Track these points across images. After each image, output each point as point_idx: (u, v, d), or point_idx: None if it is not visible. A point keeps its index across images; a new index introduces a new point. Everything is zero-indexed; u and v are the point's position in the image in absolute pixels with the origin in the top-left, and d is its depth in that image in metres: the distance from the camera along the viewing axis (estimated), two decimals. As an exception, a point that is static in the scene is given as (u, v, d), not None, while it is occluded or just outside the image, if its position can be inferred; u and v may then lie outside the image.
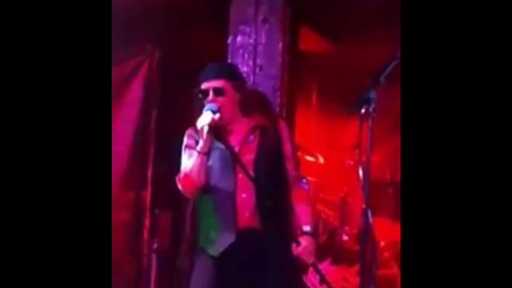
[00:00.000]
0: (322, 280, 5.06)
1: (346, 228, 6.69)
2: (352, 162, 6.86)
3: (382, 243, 6.55)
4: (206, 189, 4.03)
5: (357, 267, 5.98)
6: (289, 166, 4.14)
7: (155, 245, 6.27)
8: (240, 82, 4.17)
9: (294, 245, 4.00)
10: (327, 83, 8.55)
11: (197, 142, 4.04)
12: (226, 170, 4.02)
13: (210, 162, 4.02)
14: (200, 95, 4.09)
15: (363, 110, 3.47)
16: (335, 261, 6.33)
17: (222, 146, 4.01)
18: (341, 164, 7.19)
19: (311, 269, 5.48)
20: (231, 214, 3.97)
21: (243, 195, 3.99)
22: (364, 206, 3.54)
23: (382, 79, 3.47)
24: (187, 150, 4.11)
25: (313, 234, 4.11)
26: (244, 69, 5.36)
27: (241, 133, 4.08)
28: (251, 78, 5.40)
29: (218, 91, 4.05)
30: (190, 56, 6.00)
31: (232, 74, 4.20)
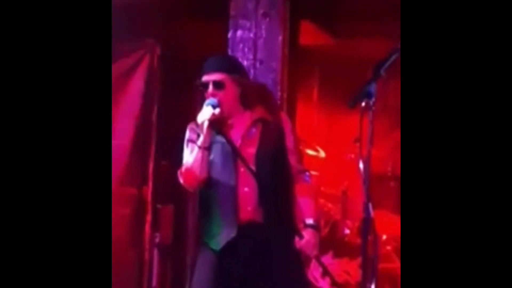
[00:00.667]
0: (325, 273, 5.07)
1: (348, 222, 6.69)
2: (353, 156, 6.85)
3: (384, 237, 6.55)
4: (208, 183, 4.03)
5: (359, 260, 5.99)
6: (292, 159, 4.14)
7: (157, 239, 6.28)
8: (241, 76, 4.15)
9: (297, 239, 3.99)
10: (327, 77, 8.55)
11: (199, 136, 4.04)
12: (228, 164, 4.02)
13: (212, 157, 4.01)
14: (201, 88, 4.09)
15: (363, 104, 3.47)
16: (336, 255, 6.34)
17: (223, 140, 4.00)
18: (342, 158, 7.18)
19: (313, 262, 5.50)
20: (233, 208, 3.97)
21: (245, 189, 3.99)
22: (365, 200, 3.55)
23: (382, 72, 3.47)
24: (189, 144, 4.11)
25: (316, 227, 4.11)
26: (244, 63, 5.35)
27: (242, 127, 4.07)
28: (252, 72, 5.41)
29: (217, 85, 4.04)
30: (190, 50, 6.01)
31: (232, 67, 4.19)
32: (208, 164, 4.00)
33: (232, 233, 3.96)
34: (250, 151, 4.01)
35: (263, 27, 5.63)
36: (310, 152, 7.27)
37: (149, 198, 6.23)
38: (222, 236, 3.98)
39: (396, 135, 5.61)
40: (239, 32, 5.64)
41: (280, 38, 5.61)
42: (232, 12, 5.69)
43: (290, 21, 5.72)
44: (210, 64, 4.16)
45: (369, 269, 3.57)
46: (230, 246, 3.96)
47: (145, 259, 6.20)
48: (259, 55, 5.59)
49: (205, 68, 4.13)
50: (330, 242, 6.51)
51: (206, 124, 3.93)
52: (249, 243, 3.96)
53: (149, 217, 6.23)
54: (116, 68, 6.05)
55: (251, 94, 4.15)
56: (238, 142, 4.03)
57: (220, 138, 4.01)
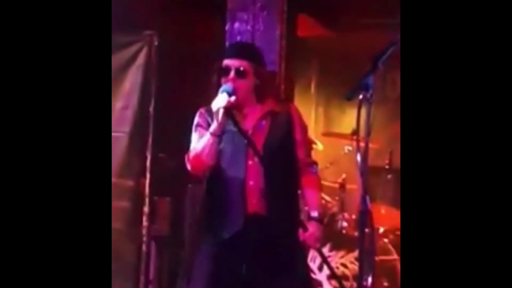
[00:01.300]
0: (325, 263, 5.06)
1: (345, 214, 6.69)
2: (350, 148, 6.86)
3: (381, 229, 6.56)
4: (216, 173, 4.01)
5: (356, 253, 6.00)
6: (300, 152, 4.12)
7: (154, 232, 6.28)
8: (261, 66, 4.12)
9: (301, 231, 3.99)
10: (325, 69, 8.56)
11: (208, 123, 4.00)
12: (237, 155, 3.98)
13: (222, 145, 3.96)
14: (217, 73, 4.04)
15: (361, 96, 3.47)
16: (334, 247, 6.34)
17: (234, 129, 3.94)
18: (340, 150, 7.19)
19: (310, 255, 5.51)
20: (241, 200, 3.95)
21: (251, 182, 3.97)
22: (362, 192, 3.55)
23: (380, 64, 3.46)
24: (198, 129, 4.06)
25: (321, 220, 4.11)
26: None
27: (253, 118, 4.03)
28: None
29: (240, 72, 3.98)
30: (188, 43, 6.00)
31: (256, 56, 4.13)
32: (217, 152, 3.94)
33: (239, 225, 3.94)
34: (260, 142, 3.99)
35: (260, 19, 5.63)
36: (308, 144, 7.26)
37: (147, 190, 6.23)
38: (228, 227, 3.96)
39: (394, 127, 5.61)
40: (236, 25, 5.64)
41: (278, 30, 5.62)
42: (229, 5, 5.69)
43: (287, 13, 5.71)
44: (235, 49, 4.14)
45: (366, 262, 3.58)
46: (235, 238, 3.95)
47: (143, 251, 6.20)
48: (256, 48, 5.58)
49: (228, 52, 4.09)
50: (328, 234, 6.49)
51: (221, 111, 3.84)
52: (253, 235, 3.95)
53: (146, 209, 6.23)
54: (115, 61, 6.05)
55: (266, 86, 4.12)
56: (249, 133, 4.00)
57: (230, 128, 3.94)
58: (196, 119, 4.11)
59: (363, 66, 3.51)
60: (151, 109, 6.21)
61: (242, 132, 3.93)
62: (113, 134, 5.83)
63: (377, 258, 6.07)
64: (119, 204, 6.06)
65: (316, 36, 7.50)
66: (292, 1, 5.73)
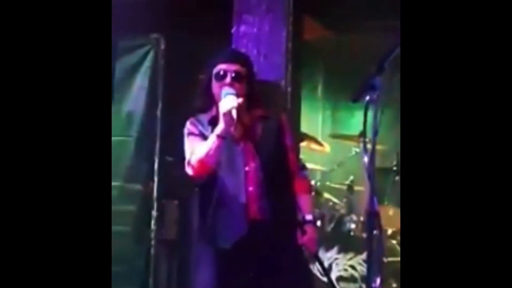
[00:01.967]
0: (320, 266, 5.06)
1: (353, 216, 6.69)
2: (358, 150, 6.86)
3: (389, 231, 6.56)
4: (213, 179, 4.01)
5: (364, 254, 6.00)
6: (291, 156, 4.14)
7: (162, 236, 6.29)
8: (253, 74, 4.13)
9: (299, 235, 4.00)
10: (331, 71, 8.57)
11: (200, 130, 4.01)
12: (233, 161, 4.00)
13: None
14: (203, 77, 4.03)
15: (367, 98, 3.47)
16: (342, 249, 6.34)
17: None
18: (347, 152, 7.19)
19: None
20: (242, 207, 3.96)
21: (250, 188, 3.98)
22: (370, 194, 3.55)
23: (386, 65, 3.46)
24: (190, 137, 4.06)
25: (315, 223, 4.13)
26: (248, 58, 5.35)
27: (244, 124, 4.03)
28: (255, 67, 5.40)
29: (237, 76, 3.99)
30: (194, 45, 6.01)
31: (250, 64, 4.16)
32: (220, 155, 3.93)
33: (242, 231, 3.94)
34: (253, 148, 3.98)
35: (266, 22, 5.63)
36: (315, 147, 7.28)
37: (155, 194, 6.24)
38: (231, 234, 3.97)
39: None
40: (242, 27, 5.65)
41: (284, 33, 5.62)
42: (236, 7, 5.69)
43: (293, 16, 5.71)
44: (230, 54, 4.15)
45: (374, 263, 3.57)
46: (238, 244, 3.95)
47: (151, 254, 6.21)
48: (262, 50, 5.59)
49: (222, 57, 4.07)
50: (335, 236, 6.52)
51: (234, 112, 3.80)
52: (256, 240, 3.95)
53: (154, 213, 6.24)
54: (121, 64, 6.07)
55: (256, 94, 4.12)
56: (240, 140, 4.00)
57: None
58: (188, 128, 4.10)
59: (369, 68, 3.51)
60: (158, 112, 6.22)
61: (239, 136, 3.93)
62: (120, 138, 5.88)
63: (385, 260, 6.06)
64: (127, 208, 6.08)
65: (322, 38, 7.50)
66: (298, 4, 5.73)
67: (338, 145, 7.65)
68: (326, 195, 7.09)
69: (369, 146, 3.50)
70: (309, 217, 4.08)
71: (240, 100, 3.87)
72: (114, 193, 5.53)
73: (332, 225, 6.63)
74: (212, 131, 3.91)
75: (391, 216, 6.63)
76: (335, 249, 6.31)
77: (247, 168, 3.98)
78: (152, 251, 6.22)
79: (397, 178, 6.96)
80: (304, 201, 4.13)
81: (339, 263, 6.25)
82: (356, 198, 6.91)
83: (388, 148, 6.57)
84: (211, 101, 4.01)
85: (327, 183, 7.43)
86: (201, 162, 3.93)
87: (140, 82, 6.27)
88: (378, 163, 3.53)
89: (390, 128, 6.58)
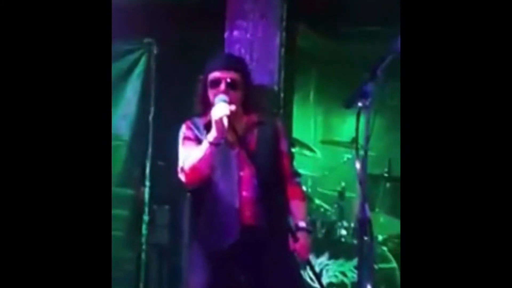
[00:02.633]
0: (316, 279, 5.06)
1: (344, 223, 6.69)
2: (350, 157, 6.87)
3: (380, 237, 6.56)
4: (207, 184, 4.00)
5: (355, 261, 5.99)
6: (286, 163, 4.14)
7: (154, 240, 6.28)
8: (249, 79, 4.12)
9: (291, 241, 3.99)
10: (324, 77, 8.57)
11: (196, 135, 4.01)
12: (228, 166, 3.99)
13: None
14: (200, 84, 4.03)
15: (360, 104, 3.47)
16: (333, 256, 6.33)
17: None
18: (339, 159, 7.20)
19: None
20: (235, 212, 3.94)
21: (244, 193, 3.97)
22: (361, 201, 3.55)
23: (379, 72, 3.47)
24: (186, 142, 4.03)
25: (308, 230, 4.12)
26: (241, 63, 5.35)
27: (240, 130, 4.00)
28: (249, 72, 5.42)
29: (232, 84, 3.96)
30: (187, 51, 6.01)
31: (244, 69, 4.13)
32: (213, 161, 3.90)
33: (235, 237, 3.92)
34: (247, 153, 3.97)
35: (259, 27, 5.64)
36: (307, 152, 7.27)
37: (146, 198, 6.23)
38: (224, 239, 3.95)
39: (393, 135, 5.61)
40: (235, 33, 5.65)
41: (277, 39, 5.63)
42: (229, 13, 5.70)
43: (286, 22, 5.72)
44: (225, 61, 4.11)
45: (365, 270, 3.57)
46: (231, 249, 3.93)
47: (142, 259, 6.20)
48: (255, 56, 5.59)
49: (216, 64, 4.04)
50: (327, 242, 6.51)
51: (225, 120, 3.77)
52: (248, 246, 3.94)
53: (145, 218, 6.23)
54: (114, 68, 6.06)
55: (252, 99, 4.11)
56: (235, 145, 4.00)
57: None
58: (183, 132, 4.06)
59: (362, 74, 3.51)
60: (150, 117, 6.22)
61: (239, 141, 3.92)
62: (112, 142, 5.86)
63: (376, 267, 6.06)
64: (119, 213, 6.06)
65: (315, 44, 7.51)
66: (291, 10, 5.74)
67: (329, 151, 7.65)
68: (317, 201, 7.08)
69: (361, 152, 3.50)
70: (302, 223, 4.07)
71: (233, 107, 3.83)
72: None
73: (323, 231, 6.62)
74: (207, 135, 3.90)
75: (382, 223, 6.65)
76: (326, 255, 6.31)
77: (241, 173, 3.97)
78: (143, 255, 6.21)
79: (388, 185, 6.98)
80: (298, 207, 4.12)
81: (329, 269, 6.24)
82: (347, 204, 6.90)
83: (380, 155, 6.58)
84: (207, 106, 4.00)
85: (319, 189, 7.43)
86: (194, 168, 3.90)
87: (133, 87, 6.27)
88: (369, 169, 3.54)
89: (382, 135, 6.61)
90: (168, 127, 5.53)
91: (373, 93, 3.44)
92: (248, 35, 5.62)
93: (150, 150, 6.21)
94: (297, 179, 4.20)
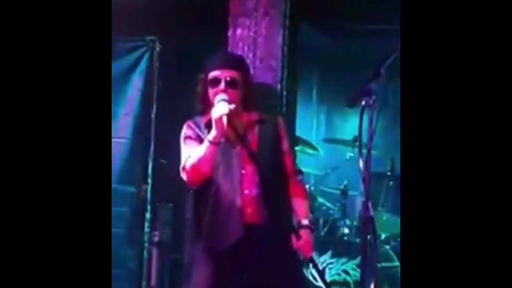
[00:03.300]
0: (320, 277, 5.06)
1: (347, 221, 6.69)
2: (352, 155, 6.86)
3: (383, 236, 6.56)
4: (209, 182, 4.00)
5: (358, 259, 5.99)
6: (288, 161, 4.13)
7: (156, 238, 6.28)
8: (249, 77, 4.12)
9: (294, 239, 3.98)
10: (327, 76, 8.57)
11: (197, 134, 4.01)
12: (229, 164, 3.99)
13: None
14: (200, 83, 4.03)
15: (363, 102, 3.47)
16: (336, 254, 6.33)
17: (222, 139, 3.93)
18: (342, 157, 7.19)
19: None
20: (237, 210, 3.94)
21: (246, 191, 3.97)
22: (364, 199, 3.55)
23: (382, 70, 3.46)
24: (187, 141, 4.04)
25: (311, 227, 4.11)
26: (244, 61, 5.34)
27: (241, 128, 4.00)
28: (251, 70, 5.40)
29: (231, 83, 3.97)
30: (190, 48, 6.00)
31: (244, 67, 4.15)
32: (214, 160, 3.91)
33: (237, 235, 3.92)
34: (249, 152, 3.97)
35: (263, 25, 5.62)
36: (310, 151, 7.28)
37: (148, 196, 6.23)
38: (226, 237, 3.94)
39: (396, 134, 5.61)
40: (239, 30, 5.63)
41: (280, 36, 5.61)
42: (232, 10, 5.68)
43: (290, 19, 5.71)
44: (224, 60, 4.11)
45: (368, 268, 3.57)
46: (233, 247, 3.92)
47: (144, 257, 6.20)
48: (258, 54, 5.58)
49: (216, 63, 4.05)
50: (329, 241, 6.51)
51: (224, 119, 3.77)
52: (251, 244, 3.93)
53: (148, 216, 6.23)
54: (116, 66, 6.06)
55: (252, 97, 4.11)
56: (237, 143, 3.99)
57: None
58: (185, 131, 4.07)
59: (365, 72, 3.51)
60: (152, 115, 6.21)
61: (240, 139, 3.91)
62: (114, 140, 5.86)
63: (379, 265, 6.05)
64: (121, 210, 6.05)
65: (318, 42, 7.50)
66: (295, 8, 5.72)
67: (332, 150, 7.65)
68: (320, 199, 7.08)
69: (364, 150, 3.50)
70: (305, 221, 4.06)
71: (232, 106, 3.83)
72: (107, 195, 5.53)
73: (325, 230, 6.62)
74: (208, 134, 3.90)
75: (385, 221, 6.64)
76: (329, 253, 6.30)
77: (243, 172, 3.97)
78: (145, 253, 6.21)
79: (391, 183, 6.97)
80: (300, 205, 4.11)
81: (332, 267, 6.24)
82: (350, 202, 6.90)
83: (383, 153, 6.57)
84: (208, 105, 4.00)
85: (321, 187, 7.42)
86: (195, 167, 3.90)
87: (135, 84, 6.26)
88: (372, 168, 3.53)
89: (385, 133, 6.60)
90: (170, 125, 5.54)
91: (377, 91, 3.44)
92: (251, 33, 5.61)
93: (152, 147, 6.20)
94: (299, 177, 4.20)
